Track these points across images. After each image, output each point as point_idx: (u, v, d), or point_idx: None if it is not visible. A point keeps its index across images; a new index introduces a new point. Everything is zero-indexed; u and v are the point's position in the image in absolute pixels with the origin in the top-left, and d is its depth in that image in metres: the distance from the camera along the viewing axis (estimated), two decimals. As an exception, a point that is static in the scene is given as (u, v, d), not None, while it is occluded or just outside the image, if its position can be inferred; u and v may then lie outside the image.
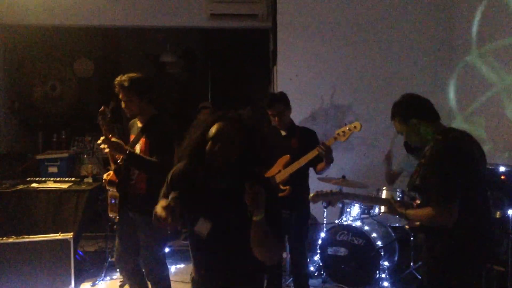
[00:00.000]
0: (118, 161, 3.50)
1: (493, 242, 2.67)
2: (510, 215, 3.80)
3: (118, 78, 3.46)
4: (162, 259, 3.65)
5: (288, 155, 3.86)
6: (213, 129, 2.10)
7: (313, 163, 3.90)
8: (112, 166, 3.56)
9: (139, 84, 3.46)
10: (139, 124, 3.61)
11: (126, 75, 3.46)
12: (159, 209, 2.04)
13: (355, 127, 3.66)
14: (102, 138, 3.35)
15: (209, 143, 2.09)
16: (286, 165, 3.86)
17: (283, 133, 4.06)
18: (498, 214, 3.91)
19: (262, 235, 2.06)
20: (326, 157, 3.74)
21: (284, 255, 4.81)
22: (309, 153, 3.78)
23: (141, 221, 3.47)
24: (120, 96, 3.49)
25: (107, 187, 3.57)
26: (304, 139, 3.96)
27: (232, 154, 2.08)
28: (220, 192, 2.13)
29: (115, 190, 3.50)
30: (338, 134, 3.77)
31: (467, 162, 2.51)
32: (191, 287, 2.41)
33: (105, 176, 3.60)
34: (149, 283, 3.68)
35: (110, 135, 3.36)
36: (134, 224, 3.56)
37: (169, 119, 3.67)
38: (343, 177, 4.51)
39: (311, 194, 3.11)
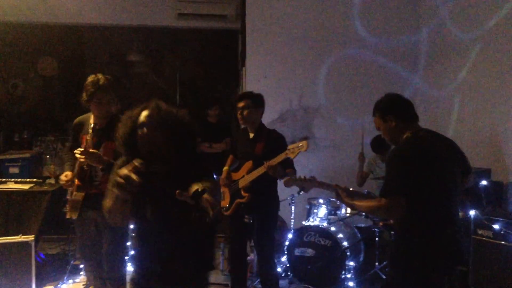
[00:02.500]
0: (84, 166, 3.47)
1: (457, 246, 2.69)
2: (472, 216, 3.90)
3: (101, 80, 3.44)
4: (123, 259, 3.68)
5: (251, 161, 3.83)
6: (140, 117, 2.28)
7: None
8: (77, 170, 3.53)
9: (116, 84, 3.55)
10: (95, 125, 3.52)
11: (102, 76, 3.47)
12: (122, 171, 2.10)
13: (302, 146, 3.56)
14: (80, 149, 3.35)
15: (138, 130, 2.26)
16: (249, 171, 3.84)
17: (251, 135, 4.01)
18: (460, 215, 4.01)
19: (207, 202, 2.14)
20: (273, 175, 3.67)
21: (252, 256, 4.81)
22: (258, 169, 3.74)
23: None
24: (101, 97, 3.45)
25: (74, 192, 3.52)
26: (270, 145, 3.85)
27: (158, 137, 2.23)
28: (160, 177, 2.24)
29: (81, 193, 3.49)
30: (289, 150, 3.64)
31: (425, 163, 2.54)
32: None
33: (63, 177, 3.55)
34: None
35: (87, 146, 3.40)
36: (96, 223, 3.57)
37: None
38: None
39: (285, 179, 3.11)
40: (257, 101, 3.96)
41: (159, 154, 2.25)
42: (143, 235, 2.38)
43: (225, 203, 4.06)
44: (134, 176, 2.06)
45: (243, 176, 3.87)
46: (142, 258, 2.40)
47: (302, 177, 3.09)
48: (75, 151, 3.39)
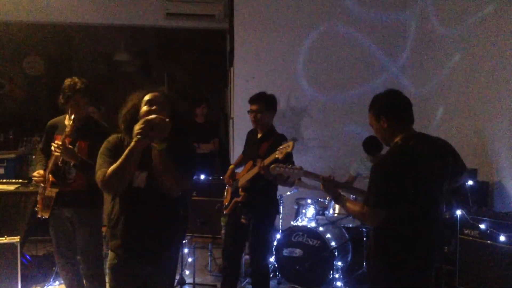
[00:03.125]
0: (59, 163, 3.49)
1: (436, 248, 2.71)
2: (458, 216, 3.93)
3: (78, 83, 3.52)
4: (100, 255, 3.75)
5: (251, 161, 3.84)
6: (148, 96, 2.51)
7: None
8: (49, 168, 3.55)
9: (90, 88, 3.59)
10: (71, 125, 3.53)
11: (79, 79, 3.55)
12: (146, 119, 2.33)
13: (288, 146, 3.57)
14: (58, 142, 3.37)
15: (145, 106, 2.47)
16: (248, 171, 3.85)
17: (259, 135, 4.01)
18: (447, 215, 4.04)
19: (163, 165, 2.41)
20: (266, 176, 3.66)
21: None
22: (252, 169, 3.76)
23: (82, 216, 3.58)
24: (78, 99, 3.51)
25: (48, 188, 3.52)
26: (274, 147, 3.71)
27: (164, 114, 2.43)
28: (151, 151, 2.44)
29: (55, 189, 3.51)
30: (278, 150, 3.62)
31: (410, 176, 2.51)
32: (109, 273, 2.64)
33: (36, 174, 3.59)
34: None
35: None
36: (70, 222, 3.64)
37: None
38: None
39: (272, 165, 3.12)
40: (269, 104, 3.97)
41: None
42: (130, 203, 2.55)
43: (226, 201, 4.09)
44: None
45: (243, 175, 3.89)
46: (125, 228, 2.55)
47: (289, 165, 3.10)
48: (53, 143, 3.41)
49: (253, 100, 3.98)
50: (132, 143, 2.34)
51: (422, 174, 2.54)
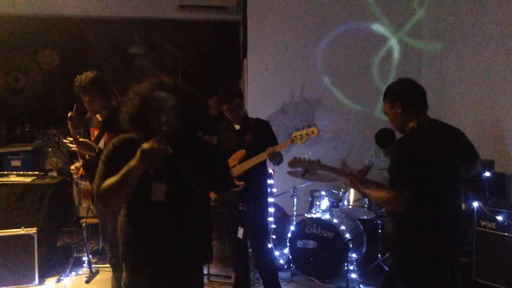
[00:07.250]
0: (86, 156, 3.56)
1: (458, 236, 2.70)
2: (475, 208, 3.89)
3: (78, 81, 3.53)
4: None
5: (244, 150, 3.85)
6: (156, 100, 2.17)
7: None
8: (81, 161, 3.64)
9: (100, 83, 3.55)
10: (99, 118, 3.67)
11: (84, 76, 3.54)
12: (145, 144, 1.99)
13: (312, 132, 3.59)
14: (70, 138, 3.45)
15: (158, 114, 2.15)
16: (241, 160, 3.86)
17: (237, 127, 4.01)
18: (463, 207, 4.00)
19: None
20: (273, 160, 3.76)
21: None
22: (259, 155, 3.77)
23: None
24: (82, 97, 3.56)
25: (80, 181, 3.67)
26: (258, 133, 3.91)
27: (179, 122, 2.18)
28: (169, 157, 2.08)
29: (87, 183, 3.59)
30: (295, 137, 3.68)
31: (428, 157, 2.53)
32: None
33: (72, 167, 3.71)
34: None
35: (78, 136, 3.47)
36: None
37: None
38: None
39: (290, 159, 3.11)
40: (243, 97, 3.99)
41: (174, 130, 2.19)
42: (148, 218, 2.24)
43: (214, 194, 4.04)
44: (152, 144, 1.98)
45: (235, 166, 3.87)
46: (144, 246, 2.26)
47: (307, 158, 3.09)
48: (65, 140, 3.52)
49: (230, 97, 3.91)
50: (134, 163, 2.00)
51: (439, 154, 2.57)
